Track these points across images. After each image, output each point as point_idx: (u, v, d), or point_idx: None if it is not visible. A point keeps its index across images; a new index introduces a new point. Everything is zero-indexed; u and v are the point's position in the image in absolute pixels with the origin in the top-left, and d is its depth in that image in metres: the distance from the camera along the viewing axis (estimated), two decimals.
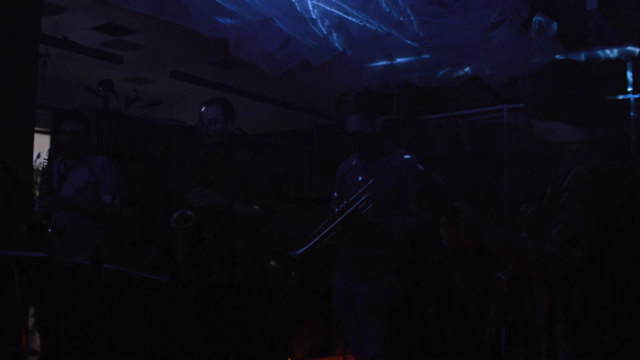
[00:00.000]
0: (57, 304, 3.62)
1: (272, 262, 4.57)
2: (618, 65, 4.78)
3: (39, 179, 4.61)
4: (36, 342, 4.20)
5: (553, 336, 1.79)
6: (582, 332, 1.75)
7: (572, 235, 1.68)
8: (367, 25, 3.51)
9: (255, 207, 3.30)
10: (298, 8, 3.35)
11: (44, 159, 3.71)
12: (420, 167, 2.98)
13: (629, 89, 4.89)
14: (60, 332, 3.60)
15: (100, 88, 5.47)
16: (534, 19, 3.81)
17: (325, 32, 3.52)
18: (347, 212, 2.76)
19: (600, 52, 4.45)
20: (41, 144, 6.26)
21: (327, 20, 3.50)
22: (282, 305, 4.59)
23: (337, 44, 3.67)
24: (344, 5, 3.43)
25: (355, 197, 2.82)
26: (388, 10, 3.44)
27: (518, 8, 3.69)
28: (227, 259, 3.19)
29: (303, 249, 2.70)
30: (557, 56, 3.94)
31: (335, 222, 2.75)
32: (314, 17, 3.44)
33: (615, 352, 1.73)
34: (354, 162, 3.14)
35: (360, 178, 3.01)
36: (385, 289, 2.91)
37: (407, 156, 3.01)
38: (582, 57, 4.45)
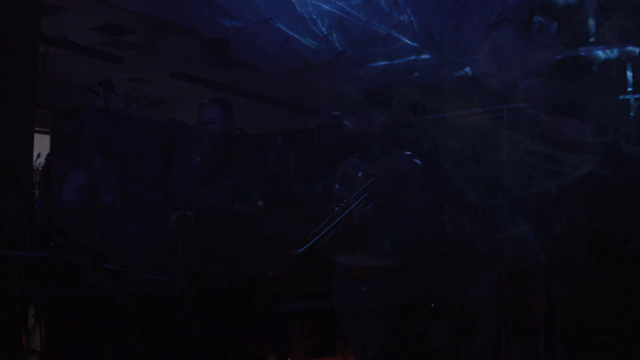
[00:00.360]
0: (60, 304, 3.62)
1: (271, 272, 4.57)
2: (618, 65, 4.77)
3: (38, 179, 4.62)
4: (36, 342, 4.19)
5: (551, 335, 1.79)
6: (578, 332, 1.76)
7: (573, 232, 1.68)
8: (367, 25, 3.50)
9: (255, 207, 3.29)
10: (298, 8, 3.35)
11: (40, 164, 3.72)
12: (418, 161, 2.99)
13: (629, 89, 4.88)
14: (64, 332, 3.60)
15: (100, 88, 5.46)
16: (534, 19, 3.80)
17: (325, 32, 3.52)
18: (347, 211, 2.76)
19: (600, 52, 4.45)
20: (41, 144, 6.25)
21: (327, 20, 3.50)
22: (282, 305, 4.58)
23: (337, 44, 3.67)
24: (344, 5, 3.43)
25: (355, 196, 2.82)
26: (388, 10, 3.44)
27: (518, 8, 3.69)
28: (227, 259, 3.19)
29: (303, 247, 2.71)
30: (558, 56, 3.94)
31: (335, 221, 2.75)
32: (314, 17, 3.44)
33: (611, 352, 1.73)
34: (354, 161, 3.15)
35: (360, 174, 3.01)
36: (385, 289, 2.91)
37: (407, 153, 3.03)
38: None
